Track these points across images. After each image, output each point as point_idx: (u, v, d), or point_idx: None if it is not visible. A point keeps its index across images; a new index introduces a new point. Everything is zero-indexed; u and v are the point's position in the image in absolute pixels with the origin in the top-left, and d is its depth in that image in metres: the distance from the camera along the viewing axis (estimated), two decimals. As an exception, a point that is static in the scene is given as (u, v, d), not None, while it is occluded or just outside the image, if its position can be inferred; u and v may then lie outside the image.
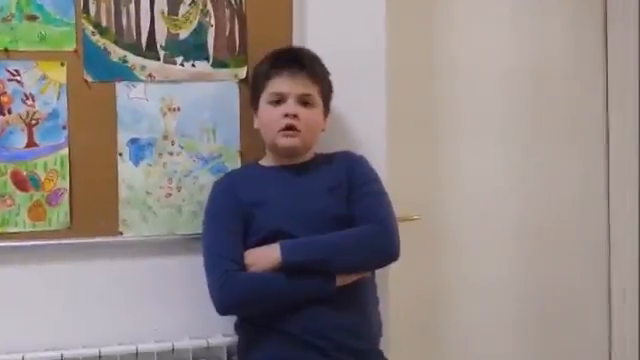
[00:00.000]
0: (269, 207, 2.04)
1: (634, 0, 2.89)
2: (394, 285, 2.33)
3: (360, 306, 2.05)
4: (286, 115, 2.04)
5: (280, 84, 2.06)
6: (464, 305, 2.85)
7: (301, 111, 2.05)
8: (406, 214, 2.48)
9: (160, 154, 2.21)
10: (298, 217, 2.01)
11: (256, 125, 2.14)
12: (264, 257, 1.97)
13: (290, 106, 2.04)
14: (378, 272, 2.15)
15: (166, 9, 2.20)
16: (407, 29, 2.69)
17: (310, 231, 1.98)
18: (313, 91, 2.08)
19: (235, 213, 2.04)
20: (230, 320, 2.10)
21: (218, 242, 2.03)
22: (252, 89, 2.16)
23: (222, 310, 1.98)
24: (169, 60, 2.21)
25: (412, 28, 2.74)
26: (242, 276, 1.97)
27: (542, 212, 2.95)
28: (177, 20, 2.22)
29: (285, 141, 2.06)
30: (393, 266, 2.11)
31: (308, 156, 2.16)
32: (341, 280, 1.98)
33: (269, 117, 2.07)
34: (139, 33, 2.19)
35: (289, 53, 2.14)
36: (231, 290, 1.95)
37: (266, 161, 2.18)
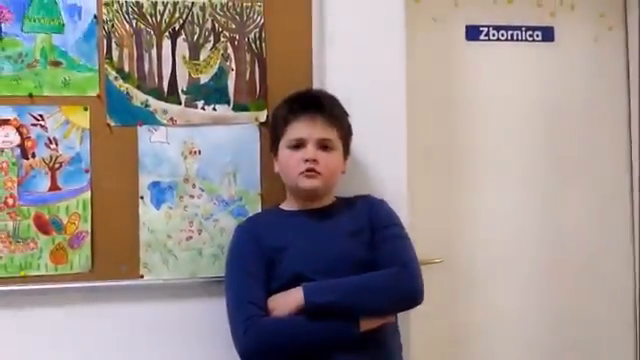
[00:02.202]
0: (291, 252, 2.03)
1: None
2: (416, 329, 2.31)
3: (384, 352, 2.03)
4: (306, 160, 2.04)
5: (299, 129, 2.07)
6: (487, 347, 2.82)
7: (321, 155, 2.06)
8: (427, 257, 2.47)
9: (181, 197, 2.22)
10: (320, 262, 2.01)
11: (276, 169, 2.15)
12: (287, 301, 1.96)
13: (310, 151, 2.05)
14: (400, 317, 2.13)
15: (187, 54, 2.23)
16: (426, 70, 2.71)
17: (332, 276, 1.98)
18: (332, 135, 2.08)
19: (258, 258, 2.03)
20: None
21: (242, 287, 2.02)
22: (271, 134, 2.18)
23: (246, 356, 1.96)
24: (190, 104, 2.23)
25: (431, 68, 2.76)
26: (266, 321, 1.96)
27: (564, 252, 2.93)
28: (198, 64, 2.24)
29: (306, 182, 2.06)
30: (416, 310, 2.09)
31: (329, 200, 2.16)
32: (365, 325, 1.96)
33: (289, 162, 2.08)
34: (161, 78, 2.22)
35: (307, 96, 2.15)
36: (255, 336, 1.94)
37: (288, 205, 2.18)
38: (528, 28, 2.90)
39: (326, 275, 1.98)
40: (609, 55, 2.98)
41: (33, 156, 2.14)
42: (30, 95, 2.13)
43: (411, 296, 2.02)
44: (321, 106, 2.09)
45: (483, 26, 2.86)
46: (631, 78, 2.99)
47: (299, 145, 2.07)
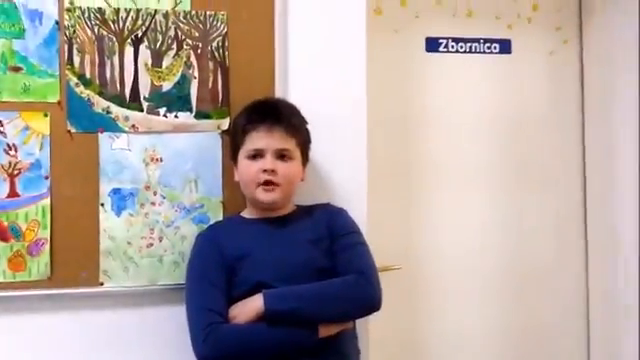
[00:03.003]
0: (253, 260, 2.04)
1: (609, 46, 2.96)
2: (374, 335, 2.33)
3: (342, 357, 2.05)
4: (264, 170, 2.05)
5: (257, 140, 2.07)
6: (445, 355, 2.86)
7: (279, 165, 2.07)
8: (386, 264, 2.50)
9: (142, 204, 2.21)
10: (281, 270, 2.02)
11: (236, 178, 2.16)
12: (247, 308, 1.97)
13: (268, 161, 2.06)
14: (359, 322, 2.15)
15: (150, 61, 2.23)
16: (386, 80, 2.75)
17: (294, 284, 1.99)
18: (290, 145, 2.09)
19: (219, 266, 2.04)
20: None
21: (202, 294, 2.02)
22: (231, 142, 2.19)
23: None
24: (152, 111, 2.23)
25: (391, 79, 2.81)
26: (226, 328, 1.96)
27: (520, 260, 2.99)
28: (161, 72, 2.24)
29: (265, 196, 2.08)
30: (373, 316, 2.11)
31: (289, 208, 2.18)
32: (324, 331, 1.97)
33: (248, 172, 2.09)
34: (123, 84, 2.21)
35: (265, 106, 2.15)
36: (215, 343, 1.94)
37: (248, 213, 2.19)
38: (486, 40, 2.96)
39: (288, 283, 1.99)
40: (564, 67, 3.06)
41: (-9, 162, 2.12)
42: (-11, 100, 2.12)
43: (369, 303, 2.04)
44: (279, 116, 2.10)
45: (442, 38, 2.91)
46: (585, 90, 3.06)
47: (257, 155, 2.07)
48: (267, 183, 2.06)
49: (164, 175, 2.23)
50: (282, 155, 2.08)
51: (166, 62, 2.24)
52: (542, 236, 3.02)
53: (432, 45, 2.90)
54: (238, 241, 2.09)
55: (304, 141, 2.16)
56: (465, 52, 2.93)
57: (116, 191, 2.20)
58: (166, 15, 2.24)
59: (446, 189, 2.89)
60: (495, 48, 2.98)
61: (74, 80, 2.17)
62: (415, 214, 2.86)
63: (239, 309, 1.98)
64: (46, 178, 2.15)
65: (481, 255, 2.93)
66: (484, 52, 2.96)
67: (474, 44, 2.95)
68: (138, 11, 2.22)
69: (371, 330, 2.31)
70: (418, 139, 2.86)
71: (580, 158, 3.07)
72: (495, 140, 2.96)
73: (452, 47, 2.92)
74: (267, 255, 2.05)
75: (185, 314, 2.03)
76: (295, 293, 1.98)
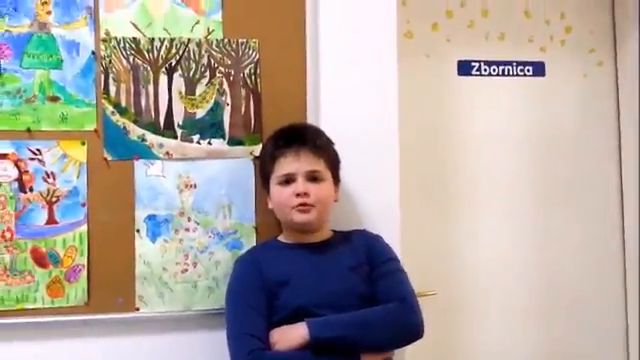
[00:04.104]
0: (294, 286, 2.03)
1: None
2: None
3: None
4: (297, 195, 2.06)
5: (286, 165, 2.08)
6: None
7: (311, 187, 2.07)
8: (419, 287, 2.48)
9: (176, 230, 2.24)
10: (322, 296, 2.02)
11: (270, 206, 2.16)
12: (290, 335, 1.96)
13: (300, 185, 2.06)
14: (397, 350, 2.13)
15: (184, 89, 2.27)
16: (419, 104, 2.76)
17: (334, 310, 1.99)
18: (319, 166, 2.10)
19: (260, 290, 2.03)
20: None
21: (243, 319, 2.02)
22: (261, 172, 2.20)
23: None
24: (186, 138, 2.26)
25: (423, 103, 2.81)
26: (268, 355, 1.96)
27: (557, 284, 2.95)
28: (194, 99, 2.28)
29: (300, 217, 2.08)
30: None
31: (326, 234, 2.18)
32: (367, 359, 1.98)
33: (281, 198, 2.09)
34: (157, 112, 2.25)
35: (290, 131, 2.16)
36: None
37: (285, 238, 2.19)
38: (519, 63, 2.95)
39: (328, 309, 1.99)
40: (598, 90, 3.03)
41: (31, 190, 2.16)
42: (28, 130, 2.16)
43: (413, 330, 2.04)
44: (304, 139, 2.11)
45: (475, 61, 2.91)
46: (621, 113, 3.03)
47: (289, 180, 2.08)
48: (302, 205, 2.06)
49: (198, 201, 2.25)
50: (314, 177, 2.08)
51: (199, 90, 2.28)
52: (578, 256, 2.97)
53: (464, 68, 2.90)
54: (278, 266, 2.08)
55: (333, 161, 2.16)
56: (498, 75, 2.93)
57: (151, 217, 2.23)
58: (199, 44, 2.27)
59: (478, 211, 2.87)
60: (528, 71, 2.97)
61: (110, 109, 2.22)
62: (447, 236, 2.84)
63: (281, 335, 1.98)
64: (83, 205, 2.19)
65: (515, 275, 2.89)
66: (517, 75, 2.95)
67: (507, 67, 2.94)
68: (172, 40, 2.26)
69: (407, 358, 2.29)
70: (451, 163, 2.85)
71: (616, 181, 3.03)
72: (529, 163, 2.94)
73: (485, 70, 2.92)
74: (308, 280, 2.05)
75: (221, 338, 2.04)
76: (339, 321, 1.97)
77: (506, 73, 2.94)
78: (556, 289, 2.95)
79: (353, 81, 2.34)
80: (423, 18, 2.85)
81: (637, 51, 2.81)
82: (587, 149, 3.00)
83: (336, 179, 2.17)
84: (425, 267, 2.64)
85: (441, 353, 2.77)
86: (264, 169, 2.16)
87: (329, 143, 2.17)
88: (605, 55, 3.04)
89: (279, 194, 2.10)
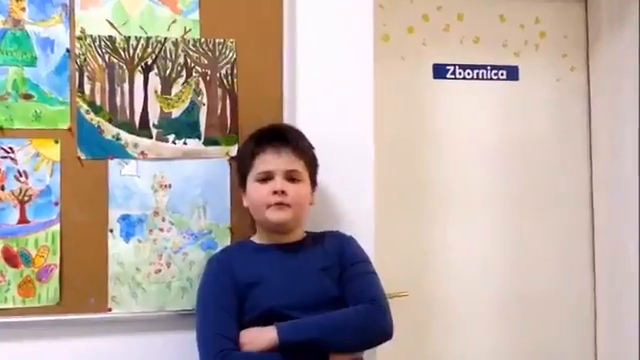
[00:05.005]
0: (264, 286, 2.04)
1: (616, 73, 2.96)
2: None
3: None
4: (274, 192, 2.06)
5: (266, 162, 2.09)
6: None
7: (289, 187, 2.07)
8: (393, 290, 2.49)
9: (151, 230, 2.23)
10: (293, 297, 2.02)
11: (245, 204, 2.16)
12: (260, 337, 1.96)
13: (277, 183, 2.07)
14: (367, 351, 2.14)
15: (159, 88, 2.25)
16: (394, 107, 2.77)
17: (305, 311, 1.99)
18: (299, 166, 2.11)
19: (231, 291, 2.03)
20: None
21: (214, 320, 2.02)
22: (239, 169, 2.20)
23: None
24: (161, 138, 2.25)
25: (398, 105, 2.83)
26: (237, 355, 1.96)
27: (528, 284, 2.98)
28: (170, 99, 2.26)
29: (276, 215, 2.08)
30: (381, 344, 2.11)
31: (299, 235, 2.18)
32: None
33: (258, 195, 2.09)
34: (132, 112, 2.23)
35: (272, 130, 2.17)
36: None
37: (258, 238, 2.19)
38: (493, 67, 2.98)
39: (299, 310, 1.99)
40: (571, 94, 3.06)
41: (2, 189, 2.13)
42: (0, 128, 2.13)
43: (382, 332, 2.05)
44: (287, 138, 2.12)
45: (450, 65, 2.93)
46: (592, 117, 3.07)
47: (267, 178, 2.08)
48: (278, 204, 2.06)
49: (172, 201, 2.24)
50: (292, 178, 2.09)
51: (175, 89, 2.27)
52: (550, 260, 3.01)
53: (439, 72, 2.92)
54: (250, 266, 2.08)
55: (312, 164, 2.17)
56: (472, 79, 2.95)
57: (125, 217, 2.21)
58: (176, 43, 2.26)
59: (453, 215, 2.89)
60: (502, 75, 2.99)
61: (84, 107, 2.20)
62: (422, 240, 2.86)
63: (251, 337, 1.98)
64: (56, 204, 2.16)
65: (489, 280, 2.92)
66: (491, 79, 2.97)
67: (481, 71, 2.96)
68: (148, 39, 2.24)
69: (379, 358, 2.30)
70: (425, 165, 2.87)
71: (587, 184, 3.06)
72: (502, 166, 2.97)
73: (459, 74, 2.94)
74: (279, 282, 2.05)
75: (194, 339, 2.03)
76: (308, 324, 1.98)
77: (480, 77, 2.96)
78: (529, 293, 2.98)
79: (329, 82, 2.35)
80: (399, 21, 2.87)
81: (637, 51, 2.83)
82: (559, 152, 3.04)
83: (313, 183, 2.17)
84: (399, 270, 2.65)
85: (412, 355, 2.78)
86: (242, 166, 2.16)
87: (310, 147, 2.18)
88: (578, 60, 3.08)
89: (256, 191, 2.10)
